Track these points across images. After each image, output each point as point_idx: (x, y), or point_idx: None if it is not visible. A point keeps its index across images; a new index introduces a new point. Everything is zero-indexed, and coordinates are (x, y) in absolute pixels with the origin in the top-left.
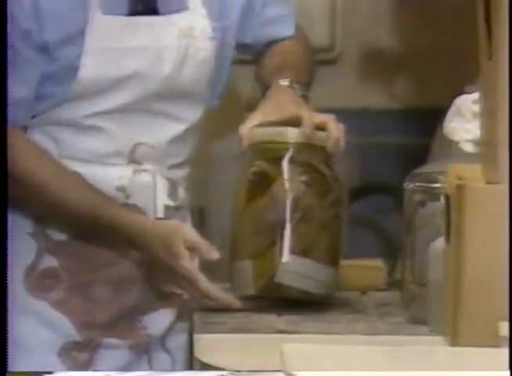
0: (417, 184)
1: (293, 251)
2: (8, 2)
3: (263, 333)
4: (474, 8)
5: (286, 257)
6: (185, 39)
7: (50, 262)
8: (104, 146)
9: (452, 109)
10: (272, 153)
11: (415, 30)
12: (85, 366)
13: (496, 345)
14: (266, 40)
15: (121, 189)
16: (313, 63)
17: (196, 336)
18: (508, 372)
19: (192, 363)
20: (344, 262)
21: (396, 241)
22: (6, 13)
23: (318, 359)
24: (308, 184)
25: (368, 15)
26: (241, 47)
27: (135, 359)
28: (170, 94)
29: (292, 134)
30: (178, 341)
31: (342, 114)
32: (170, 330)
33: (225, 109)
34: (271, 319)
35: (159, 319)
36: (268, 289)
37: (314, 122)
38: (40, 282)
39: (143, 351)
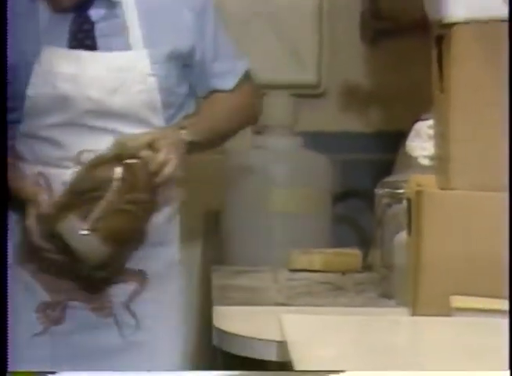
0: (385, 190)
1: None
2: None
3: (267, 305)
4: (430, 53)
5: (78, 223)
6: (120, 73)
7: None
8: (56, 153)
9: (412, 132)
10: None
11: (384, 70)
12: (57, 322)
13: (448, 315)
14: (207, 90)
15: None
16: (238, 115)
17: (214, 308)
18: (508, 372)
19: (211, 330)
20: (328, 250)
21: (369, 234)
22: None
23: (308, 326)
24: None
25: (347, 58)
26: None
27: (101, 319)
28: (104, 114)
29: (117, 143)
30: (144, 308)
31: (327, 136)
32: (133, 298)
33: None
34: (272, 294)
35: (121, 290)
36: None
37: (143, 142)
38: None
39: (107, 314)
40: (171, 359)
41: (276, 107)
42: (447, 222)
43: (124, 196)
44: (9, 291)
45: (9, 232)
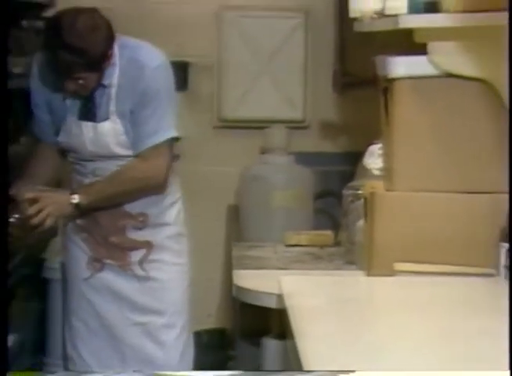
0: (350, 191)
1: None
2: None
3: (270, 269)
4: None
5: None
6: (107, 136)
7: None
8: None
9: (368, 152)
10: None
11: (349, 111)
12: (98, 271)
13: (392, 275)
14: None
15: None
16: (133, 181)
17: (234, 271)
18: (508, 372)
19: (231, 288)
20: (311, 232)
21: (339, 221)
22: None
23: (297, 283)
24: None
25: (324, 103)
26: None
27: (124, 271)
28: (95, 156)
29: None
30: (151, 265)
31: (310, 155)
32: (144, 259)
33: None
34: (273, 262)
35: (136, 253)
36: None
37: (28, 198)
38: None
39: (127, 268)
40: (172, 297)
41: (276, 136)
42: (391, 213)
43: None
44: (71, 251)
45: None
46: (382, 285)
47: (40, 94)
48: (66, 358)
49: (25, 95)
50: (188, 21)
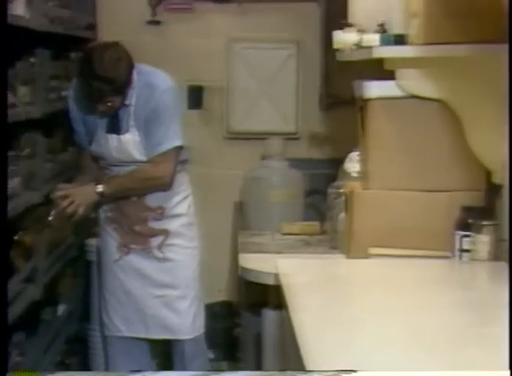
0: (333, 190)
1: None
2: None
3: (272, 253)
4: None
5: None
6: (125, 149)
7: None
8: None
9: (348, 158)
10: None
11: (333, 125)
12: (126, 254)
13: (367, 258)
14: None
15: None
16: (143, 181)
17: (239, 255)
18: (508, 372)
19: (237, 268)
20: (302, 223)
21: (324, 214)
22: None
23: (291, 264)
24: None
25: (312, 118)
26: None
27: (145, 253)
28: (119, 162)
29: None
30: (169, 249)
31: (301, 161)
32: (162, 244)
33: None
34: (271, 247)
35: (155, 239)
36: None
37: (59, 195)
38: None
39: (148, 251)
40: (184, 274)
41: (273, 145)
42: (366, 207)
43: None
44: (104, 238)
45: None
46: (359, 266)
47: (76, 112)
48: (101, 324)
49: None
50: (202, 52)
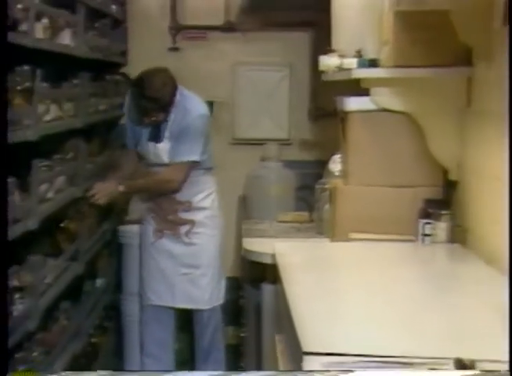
0: (320, 186)
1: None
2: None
3: (269, 238)
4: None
5: None
6: (160, 155)
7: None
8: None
9: (331, 160)
10: None
11: (319, 133)
12: (159, 238)
13: (348, 241)
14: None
15: None
16: (162, 183)
17: (243, 239)
18: (508, 372)
19: (241, 250)
20: (294, 213)
21: (313, 206)
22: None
23: (285, 247)
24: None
25: (302, 128)
26: None
27: (175, 239)
28: (155, 164)
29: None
30: (195, 236)
31: (293, 162)
32: (189, 231)
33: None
34: (269, 232)
35: (184, 227)
36: None
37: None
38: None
39: (178, 237)
40: (206, 256)
41: (271, 149)
42: (346, 200)
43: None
44: (144, 225)
45: None
46: (341, 248)
47: (128, 121)
48: (140, 295)
49: (104, 123)
50: (213, 73)
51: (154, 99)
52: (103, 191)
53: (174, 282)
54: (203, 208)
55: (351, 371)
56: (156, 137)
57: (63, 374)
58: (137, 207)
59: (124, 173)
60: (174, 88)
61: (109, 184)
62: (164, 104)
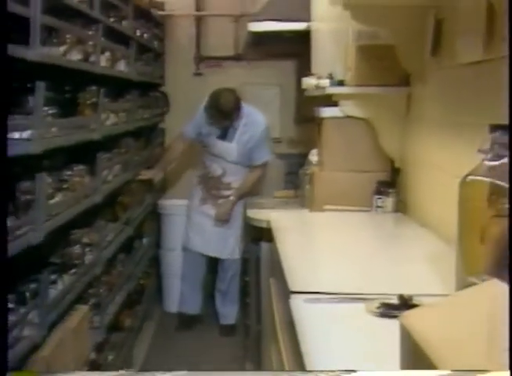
0: (303, 171)
1: None
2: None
3: (266, 209)
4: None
5: None
6: (226, 151)
7: None
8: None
9: (311, 153)
10: None
11: (302, 133)
12: (204, 204)
13: (323, 211)
14: (252, 162)
15: None
16: (256, 179)
17: (247, 210)
18: (508, 372)
19: (245, 218)
20: (284, 191)
21: (298, 186)
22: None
23: (278, 215)
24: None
25: (289, 129)
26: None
27: (215, 207)
28: (217, 156)
29: None
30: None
31: (283, 155)
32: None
33: None
34: (267, 203)
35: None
36: None
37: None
38: None
39: (217, 205)
40: (234, 221)
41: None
42: (322, 182)
43: None
44: (193, 194)
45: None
46: (318, 216)
47: (202, 121)
48: (182, 243)
49: (148, 127)
50: None
51: (225, 113)
52: (149, 175)
53: (209, 236)
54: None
55: (354, 371)
56: (225, 137)
57: (64, 374)
58: (181, 184)
59: (172, 155)
60: (238, 103)
61: (150, 171)
62: (231, 116)
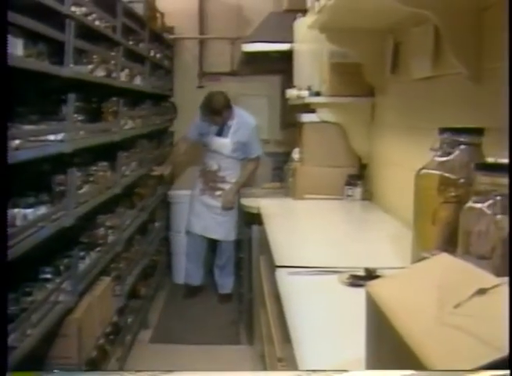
0: (288, 167)
1: None
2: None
3: (257, 198)
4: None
5: None
6: (222, 145)
7: None
8: (206, 154)
9: (293, 151)
10: None
11: (287, 137)
12: (203, 195)
13: (304, 199)
14: (247, 156)
15: None
16: (252, 171)
17: (241, 198)
18: (508, 372)
19: (240, 205)
20: (271, 183)
21: (283, 179)
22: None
23: (267, 203)
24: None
25: (276, 133)
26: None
27: (213, 197)
28: (217, 152)
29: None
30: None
31: (271, 153)
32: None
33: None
34: (258, 194)
35: (218, 192)
36: None
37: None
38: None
39: (214, 196)
40: (230, 210)
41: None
42: (303, 175)
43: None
44: (195, 186)
45: None
46: (300, 203)
47: (201, 121)
48: (186, 227)
49: (159, 131)
50: None
51: (214, 109)
52: (160, 171)
53: (207, 221)
54: (232, 183)
55: (346, 371)
56: (221, 134)
57: (64, 374)
58: (187, 177)
59: (178, 152)
60: (228, 102)
61: (161, 167)
62: (220, 112)
